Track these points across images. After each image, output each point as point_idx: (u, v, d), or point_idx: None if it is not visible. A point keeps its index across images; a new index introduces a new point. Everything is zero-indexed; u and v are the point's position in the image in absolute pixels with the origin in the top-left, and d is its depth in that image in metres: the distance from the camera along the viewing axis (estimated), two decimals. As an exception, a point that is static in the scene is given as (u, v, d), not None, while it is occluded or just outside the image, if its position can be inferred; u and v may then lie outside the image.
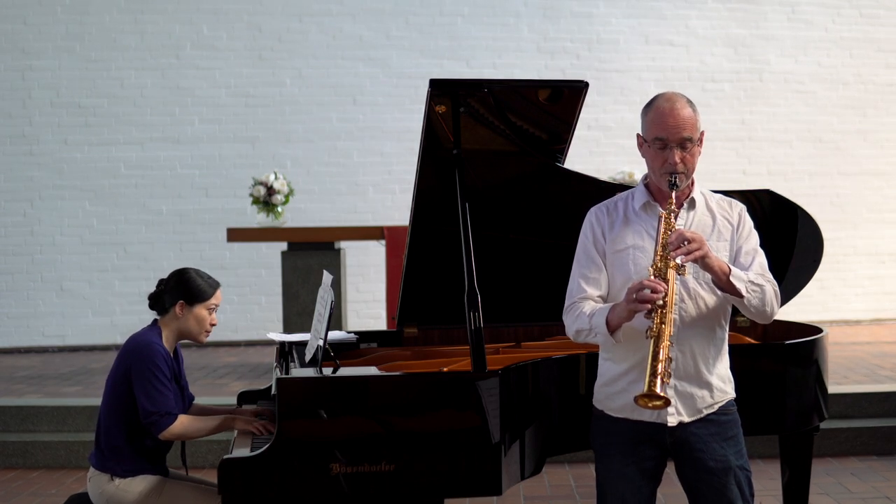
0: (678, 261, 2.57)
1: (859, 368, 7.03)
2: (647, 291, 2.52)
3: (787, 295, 4.41)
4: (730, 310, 2.83)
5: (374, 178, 9.22)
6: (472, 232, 3.27)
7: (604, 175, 7.65)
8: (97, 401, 6.10)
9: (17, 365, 8.06)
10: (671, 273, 2.57)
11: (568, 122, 3.65)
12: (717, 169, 9.33)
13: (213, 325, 3.45)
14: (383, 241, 7.24)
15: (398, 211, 8.83)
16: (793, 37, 9.64)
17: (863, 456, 5.64)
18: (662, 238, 2.62)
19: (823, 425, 3.90)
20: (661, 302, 2.52)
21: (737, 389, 2.91)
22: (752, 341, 4.10)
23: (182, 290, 3.39)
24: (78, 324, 9.00)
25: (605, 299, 2.82)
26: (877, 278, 9.75)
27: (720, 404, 2.81)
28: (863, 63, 9.73)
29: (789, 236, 4.31)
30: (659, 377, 2.47)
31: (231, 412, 3.59)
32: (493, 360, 3.33)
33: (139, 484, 3.29)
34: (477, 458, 2.96)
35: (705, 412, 2.78)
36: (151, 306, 3.46)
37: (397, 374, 3.27)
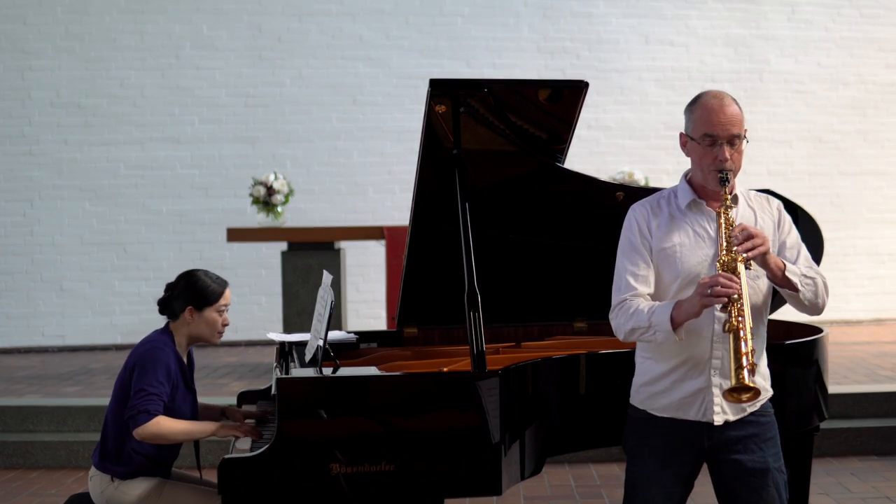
0: (744, 256, 2.56)
1: (859, 368, 7.03)
2: (720, 286, 2.51)
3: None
4: (769, 307, 2.83)
5: (374, 178, 9.21)
6: (472, 232, 3.27)
7: (604, 175, 7.65)
8: (97, 401, 6.12)
9: (17, 365, 8.06)
10: (741, 267, 2.56)
11: (568, 122, 3.66)
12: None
13: (225, 325, 3.42)
14: (383, 241, 7.23)
15: (398, 211, 8.83)
16: (793, 37, 9.64)
17: (863, 456, 5.64)
18: (725, 233, 2.61)
19: (823, 425, 3.90)
20: (736, 295, 2.51)
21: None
22: (752, 341, 4.09)
23: (190, 295, 3.35)
24: (78, 324, 9.00)
25: (652, 297, 2.78)
26: (877, 278, 9.75)
27: (762, 402, 2.80)
28: (863, 63, 9.72)
29: (789, 236, 4.31)
30: (745, 369, 2.45)
31: (223, 411, 3.57)
32: (493, 360, 3.33)
33: (138, 486, 3.29)
34: (477, 458, 2.96)
35: (749, 410, 2.76)
36: (161, 311, 3.43)
37: (397, 374, 3.27)
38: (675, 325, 2.63)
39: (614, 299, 2.79)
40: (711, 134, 2.69)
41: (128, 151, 9.07)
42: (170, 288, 3.42)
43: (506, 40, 9.36)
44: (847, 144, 9.70)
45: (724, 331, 2.53)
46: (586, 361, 3.41)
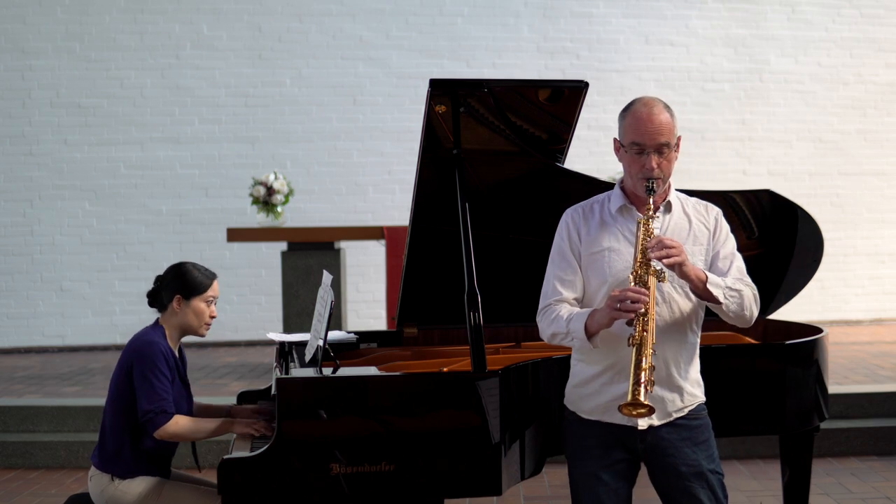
0: (657, 267, 2.57)
1: (859, 368, 7.03)
2: (629, 301, 2.53)
3: (787, 295, 4.41)
4: (702, 314, 2.84)
5: (374, 178, 9.22)
6: (472, 232, 3.27)
7: (603, 175, 7.64)
8: (97, 401, 6.12)
9: (17, 365, 8.06)
10: (652, 280, 2.58)
11: (568, 122, 3.65)
12: (717, 169, 9.34)
13: (212, 317, 3.44)
14: (383, 241, 7.23)
15: (398, 211, 8.83)
16: (793, 37, 9.64)
17: (863, 456, 5.64)
18: (642, 244, 2.62)
19: (823, 425, 3.90)
20: (643, 310, 2.52)
21: (737, 390, 2.91)
22: (752, 341, 4.09)
23: (178, 285, 3.38)
24: (78, 324, 9.00)
25: (580, 301, 2.82)
26: (877, 278, 9.75)
27: (690, 408, 2.81)
28: (863, 63, 9.72)
29: (789, 236, 4.32)
30: (643, 385, 2.48)
31: (229, 410, 3.59)
32: (493, 360, 3.33)
33: (138, 486, 3.29)
34: (477, 458, 2.96)
35: (675, 416, 2.78)
36: (151, 304, 3.46)
37: (397, 374, 3.27)
38: (590, 333, 2.68)
39: (541, 303, 2.85)
40: (639, 142, 2.70)
41: (128, 151, 9.07)
42: (159, 279, 3.45)
43: (506, 40, 9.36)
44: (847, 144, 9.70)
45: (628, 344, 2.55)
46: (586, 361, 3.40)
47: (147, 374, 3.24)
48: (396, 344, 4.09)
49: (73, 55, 9.02)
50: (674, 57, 9.53)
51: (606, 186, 3.89)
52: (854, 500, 4.87)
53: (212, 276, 3.44)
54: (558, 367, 3.37)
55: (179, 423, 3.25)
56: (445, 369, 3.38)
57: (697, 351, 2.86)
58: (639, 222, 2.68)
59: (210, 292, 3.41)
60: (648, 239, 2.62)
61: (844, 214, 9.62)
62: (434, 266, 3.86)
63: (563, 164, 3.83)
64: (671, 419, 2.78)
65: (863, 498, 4.90)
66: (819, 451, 4.74)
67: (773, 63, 9.62)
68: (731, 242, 2.85)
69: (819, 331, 3.93)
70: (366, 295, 8.96)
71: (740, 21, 9.60)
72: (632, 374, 2.50)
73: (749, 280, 2.79)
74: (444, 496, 2.99)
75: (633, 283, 2.58)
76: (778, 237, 4.31)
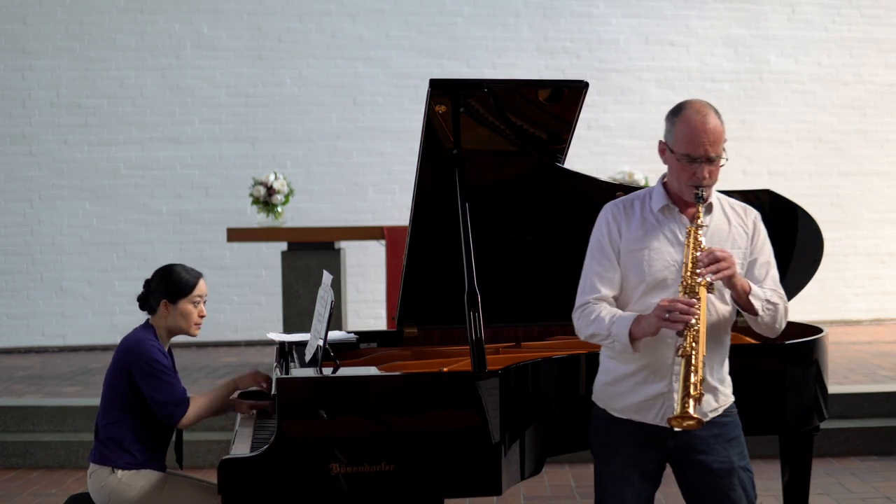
0: (709, 279, 2.56)
1: (859, 368, 7.02)
2: (679, 312, 2.51)
3: (787, 295, 4.40)
4: (733, 317, 2.84)
5: (374, 178, 9.21)
6: (472, 232, 3.27)
7: (604, 175, 7.64)
8: (97, 401, 6.09)
9: (17, 365, 8.06)
10: (702, 291, 2.55)
11: (568, 122, 3.66)
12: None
13: (202, 316, 3.46)
14: (383, 241, 7.23)
15: (398, 211, 8.82)
16: (793, 37, 9.64)
17: (863, 456, 5.64)
18: (692, 255, 2.60)
19: (823, 425, 3.90)
20: (693, 321, 2.50)
21: (737, 390, 2.91)
22: (752, 341, 4.09)
23: (165, 288, 3.41)
24: (78, 324, 9.00)
25: (618, 299, 2.80)
26: (877, 278, 9.75)
27: (724, 407, 2.82)
28: (863, 63, 9.72)
29: (789, 236, 4.32)
30: (692, 398, 2.46)
31: (239, 379, 3.60)
32: (493, 360, 3.33)
33: (141, 479, 3.30)
34: (477, 458, 2.96)
35: (710, 416, 2.77)
36: (141, 308, 3.49)
37: (397, 374, 3.27)
38: (633, 339, 2.65)
39: (578, 299, 2.81)
40: (691, 154, 2.66)
41: (128, 151, 9.06)
42: (147, 283, 3.48)
43: (506, 40, 9.36)
44: (847, 144, 9.70)
45: (677, 355, 2.54)
46: (586, 361, 3.40)
47: (152, 372, 3.28)
48: (396, 344, 4.09)
49: (73, 55, 9.02)
50: (674, 57, 9.53)
51: (607, 186, 3.90)
52: (854, 500, 4.87)
53: (197, 277, 3.45)
54: (558, 367, 3.38)
55: (196, 407, 3.34)
56: (445, 369, 3.38)
57: (728, 352, 2.86)
58: (688, 231, 2.66)
59: (196, 293, 3.42)
60: (698, 249, 2.60)
61: (844, 214, 9.62)
62: (434, 266, 3.86)
63: (563, 164, 3.83)
64: (706, 419, 2.76)
65: (863, 498, 4.90)
66: (819, 451, 4.73)
67: (773, 63, 9.62)
68: (769, 249, 2.84)
69: (819, 331, 3.93)
70: (366, 295, 8.96)
71: (740, 21, 9.60)
72: (681, 387, 2.47)
73: (783, 292, 2.80)
74: (444, 496, 2.99)
75: (682, 294, 2.56)
76: (778, 237, 4.29)
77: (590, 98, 3.66)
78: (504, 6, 9.36)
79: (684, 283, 2.58)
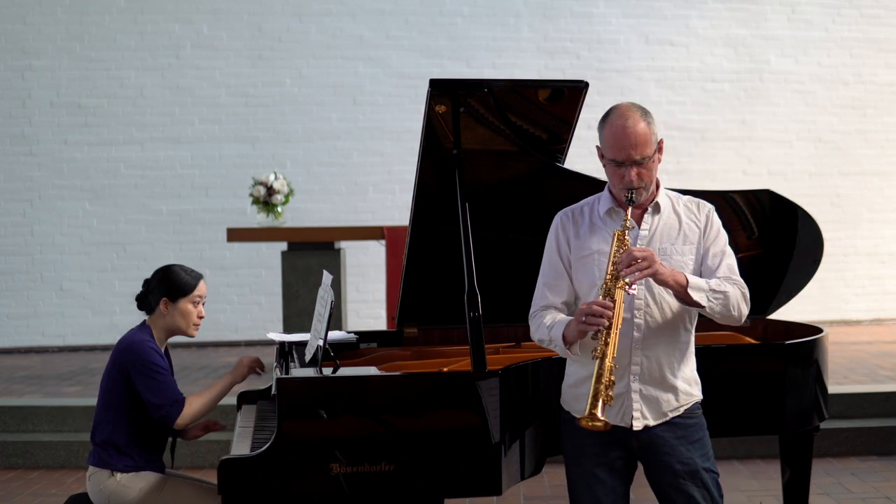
0: (627, 280, 2.58)
1: (859, 368, 7.02)
2: (592, 316, 2.55)
3: (787, 295, 4.41)
4: (696, 313, 2.83)
5: (374, 178, 9.21)
6: (472, 232, 3.27)
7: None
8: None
9: (17, 365, 8.06)
10: (619, 293, 2.58)
11: (568, 121, 3.66)
12: (717, 169, 9.34)
13: (200, 317, 3.46)
14: (383, 241, 7.23)
15: (398, 211, 8.83)
16: (793, 37, 9.64)
17: (863, 456, 5.64)
18: (613, 256, 2.64)
19: (823, 425, 3.90)
20: (607, 323, 2.54)
21: (737, 390, 2.91)
22: (752, 341, 4.10)
23: (165, 287, 3.41)
24: (78, 324, 9.00)
25: (569, 305, 2.85)
26: (877, 278, 9.75)
27: (685, 407, 2.82)
28: (863, 63, 9.72)
29: (789, 236, 4.32)
30: (600, 400, 2.48)
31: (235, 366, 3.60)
32: (493, 360, 3.33)
33: (141, 480, 3.30)
34: (477, 458, 2.96)
35: (671, 415, 2.79)
36: (139, 307, 3.49)
37: (397, 374, 3.27)
38: (567, 342, 2.70)
39: (532, 308, 2.90)
40: (616, 159, 2.72)
41: (128, 151, 9.07)
42: (146, 283, 3.48)
43: (506, 40, 9.36)
44: (847, 144, 9.70)
45: (591, 357, 2.57)
46: (586, 361, 3.40)
47: (148, 373, 3.28)
48: (396, 344, 4.09)
49: (73, 55, 9.02)
50: (674, 57, 9.53)
51: (606, 186, 3.90)
52: (854, 500, 4.87)
53: (198, 277, 3.46)
54: (558, 367, 3.36)
55: (193, 405, 3.34)
56: (445, 369, 3.38)
57: (692, 349, 2.86)
58: (614, 234, 2.69)
59: (196, 293, 3.43)
60: (620, 252, 2.63)
61: (844, 214, 9.62)
62: (434, 266, 3.86)
63: (563, 164, 3.83)
64: (667, 419, 2.78)
65: (863, 498, 4.90)
66: (819, 451, 4.74)
67: (773, 63, 9.62)
68: (723, 239, 2.84)
69: (819, 331, 3.93)
70: (366, 295, 8.96)
71: (740, 21, 9.60)
72: (591, 387, 2.50)
73: (738, 278, 2.78)
74: (444, 496, 2.99)
75: (601, 297, 2.60)
76: (778, 237, 4.31)
77: (590, 98, 3.66)
78: (504, 6, 9.36)
79: (605, 286, 2.62)
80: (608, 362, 2.51)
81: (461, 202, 3.29)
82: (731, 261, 2.81)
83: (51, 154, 9.03)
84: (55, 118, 9.03)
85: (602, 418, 2.47)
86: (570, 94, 3.57)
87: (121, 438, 3.30)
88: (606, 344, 2.53)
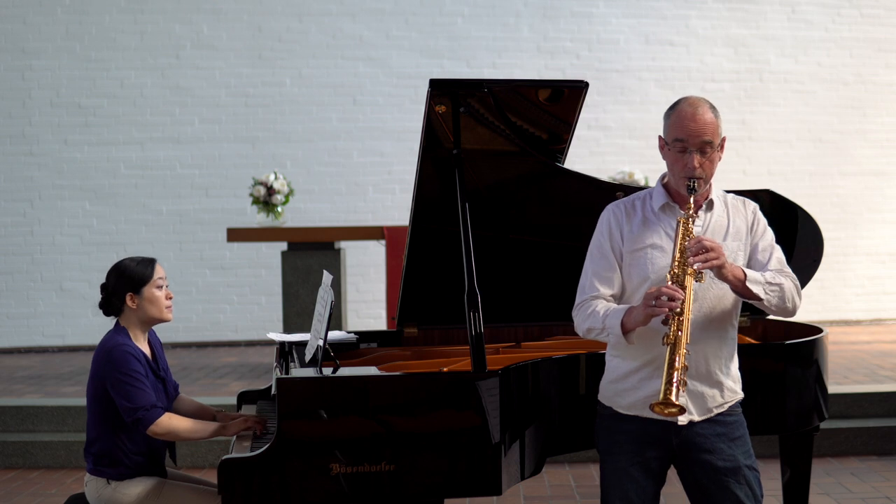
0: (696, 268, 2.58)
1: (859, 368, 7.03)
2: (665, 298, 2.54)
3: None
4: (739, 311, 2.86)
5: (374, 178, 9.21)
6: (472, 232, 3.27)
7: (604, 175, 7.65)
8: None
9: (17, 365, 8.06)
10: (689, 280, 2.59)
11: (568, 122, 3.65)
12: (717, 169, 9.32)
13: (169, 298, 3.41)
14: (383, 241, 7.23)
15: (398, 211, 8.83)
16: (793, 37, 9.64)
17: (863, 456, 5.64)
18: (681, 244, 2.63)
19: (823, 425, 3.90)
20: (678, 309, 2.53)
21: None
22: (752, 341, 4.10)
23: (124, 283, 3.35)
24: (78, 324, 9.00)
25: (617, 298, 2.83)
26: (877, 278, 9.75)
27: (729, 404, 2.83)
28: (863, 63, 9.72)
29: (789, 236, 4.31)
30: (675, 385, 2.49)
31: (214, 416, 3.52)
32: (493, 360, 3.33)
33: (136, 486, 3.27)
34: (477, 458, 2.96)
35: (715, 411, 2.80)
36: (106, 313, 3.42)
37: (397, 374, 3.27)
38: (626, 330, 2.69)
39: (578, 297, 2.87)
40: (682, 139, 2.72)
41: (128, 151, 9.06)
42: (104, 287, 3.41)
43: (506, 40, 9.36)
44: (847, 144, 9.70)
45: (662, 343, 2.56)
46: (586, 361, 3.40)
47: (122, 378, 3.21)
48: (396, 344, 4.09)
49: (73, 55, 9.02)
50: (674, 57, 9.53)
51: (607, 186, 3.90)
52: (854, 500, 4.87)
53: (152, 262, 3.41)
54: (558, 367, 3.38)
55: (173, 422, 3.23)
56: (445, 369, 3.38)
57: (735, 346, 2.88)
58: (679, 221, 2.69)
59: (157, 276, 3.37)
60: (688, 239, 2.63)
61: (844, 214, 9.62)
62: (434, 266, 3.86)
63: (563, 164, 3.83)
64: (711, 414, 2.79)
65: (863, 498, 4.90)
66: (819, 451, 4.74)
67: (773, 63, 9.62)
68: (770, 235, 2.88)
69: (819, 331, 3.93)
70: (366, 295, 8.96)
71: (740, 21, 9.60)
72: (664, 373, 2.51)
73: (789, 271, 2.83)
74: (444, 496, 2.99)
75: (670, 282, 2.60)
76: (778, 237, 4.30)
77: (590, 98, 3.66)
78: (504, 6, 9.36)
79: (672, 273, 2.62)
80: (682, 349, 2.52)
81: (461, 202, 3.29)
82: (780, 254, 2.86)
83: (51, 154, 9.03)
84: (55, 118, 9.03)
85: (678, 403, 2.48)
86: (570, 94, 3.57)
87: (115, 450, 3.26)
88: (680, 330, 2.53)
